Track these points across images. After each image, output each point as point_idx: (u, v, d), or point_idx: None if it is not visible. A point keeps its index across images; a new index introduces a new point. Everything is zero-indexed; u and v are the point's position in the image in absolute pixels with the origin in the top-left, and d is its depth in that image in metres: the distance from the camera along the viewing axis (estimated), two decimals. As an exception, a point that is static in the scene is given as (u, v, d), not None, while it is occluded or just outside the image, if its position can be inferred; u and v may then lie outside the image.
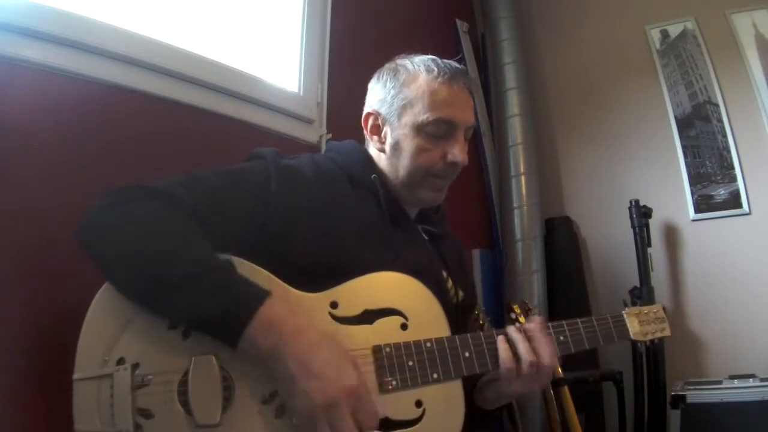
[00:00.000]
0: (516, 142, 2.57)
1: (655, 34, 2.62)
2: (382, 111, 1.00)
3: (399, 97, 0.98)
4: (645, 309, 1.05)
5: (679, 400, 1.96)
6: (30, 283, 0.94)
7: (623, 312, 1.03)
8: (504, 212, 2.56)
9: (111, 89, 1.14)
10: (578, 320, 0.97)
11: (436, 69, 0.97)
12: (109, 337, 0.72)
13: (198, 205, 0.80)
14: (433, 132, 0.95)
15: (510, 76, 2.66)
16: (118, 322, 0.73)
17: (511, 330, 0.90)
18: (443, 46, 2.56)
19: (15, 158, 0.96)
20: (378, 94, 1.02)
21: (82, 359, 0.72)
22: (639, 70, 2.63)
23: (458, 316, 1.01)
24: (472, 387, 0.99)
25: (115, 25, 1.19)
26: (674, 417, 1.96)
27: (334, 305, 0.82)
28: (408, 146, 0.97)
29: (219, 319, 0.71)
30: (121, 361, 0.71)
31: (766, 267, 2.27)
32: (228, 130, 1.40)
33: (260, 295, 0.72)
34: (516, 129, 2.58)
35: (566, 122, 2.82)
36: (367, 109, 1.04)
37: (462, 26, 2.73)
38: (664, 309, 1.08)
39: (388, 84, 1.00)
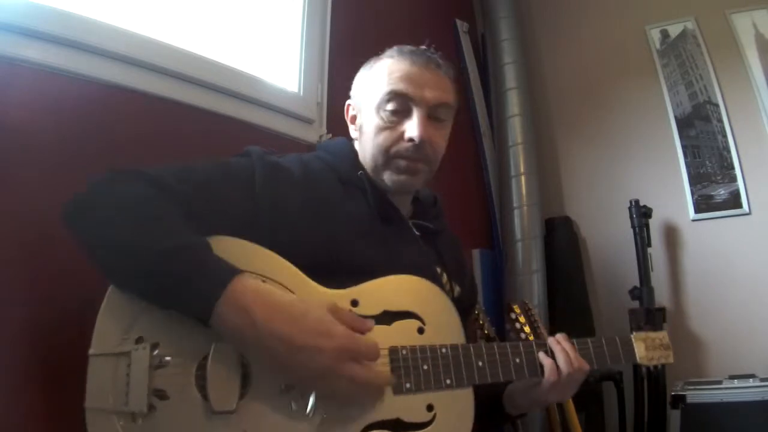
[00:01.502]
0: (516, 142, 2.57)
1: (655, 34, 2.62)
2: (356, 99, 1.03)
3: (366, 82, 1.01)
4: (652, 335, 1.07)
5: (679, 400, 1.96)
6: (30, 282, 0.94)
7: (632, 336, 1.05)
8: (504, 212, 2.56)
9: (111, 89, 1.15)
10: (588, 340, 0.99)
11: (400, 52, 0.99)
12: (129, 316, 0.72)
13: (188, 195, 0.80)
14: (391, 109, 0.95)
15: (510, 76, 2.66)
16: (139, 302, 0.72)
17: (552, 342, 0.94)
18: (443, 46, 2.54)
19: (15, 158, 0.96)
20: (355, 85, 1.05)
21: (100, 336, 0.71)
22: (639, 70, 2.64)
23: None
24: (498, 392, 1.01)
25: (115, 25, 1.19)
26: (674, 417, 1.96)
27: (354, 303, 0.82)
28: (368, 127, 0.98)
29: (189, 299, 0.70)
30: (139, 340, 0.71)
31: (766, 267, 2.27)
32: (228, 130, 1.40)
33: (227, 275, 0.70)
34: (516, 129, 2.58)
35: (566, 122, 2.82)
36: (348, 101, 1.07)
37: (462, 26, 2.73)
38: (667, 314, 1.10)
39: (362, 73, 1.04)
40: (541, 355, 0.92)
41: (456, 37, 2.70)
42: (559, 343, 0.93)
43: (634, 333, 1.06)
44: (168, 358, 0.71)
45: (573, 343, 0.95)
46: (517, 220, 2.48)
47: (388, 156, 0.96)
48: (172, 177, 0.81)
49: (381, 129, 0.95)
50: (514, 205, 2.50)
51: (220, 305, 0.69)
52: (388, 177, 0.97)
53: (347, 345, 0.72)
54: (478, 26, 2.99)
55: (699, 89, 2.49)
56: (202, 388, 0.71)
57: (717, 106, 2.44)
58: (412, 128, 0.94)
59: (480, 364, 0.86)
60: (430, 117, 0.96)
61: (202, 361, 0.72)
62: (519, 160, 2.54)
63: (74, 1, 1.12)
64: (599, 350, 0.99)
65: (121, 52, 1.16)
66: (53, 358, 0.91)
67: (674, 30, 2.58)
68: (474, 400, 0.85)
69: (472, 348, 0.87)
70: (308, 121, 1.66)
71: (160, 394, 0.70)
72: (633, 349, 1.03)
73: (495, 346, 0.89)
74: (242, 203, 0.84)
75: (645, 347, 1.04)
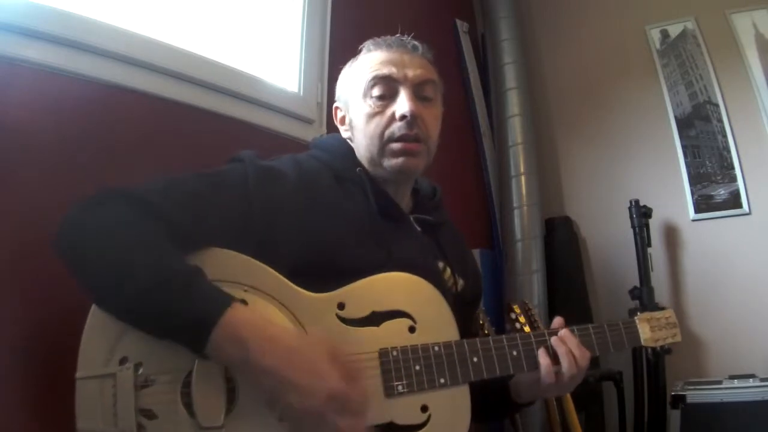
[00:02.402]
0: (516, 142, 2.57)
1: (655, 34, 2.62)
2: (342, 99, 1.03)
3: (349, 79, 1.02)
4: (657, 314, 1.04)
5: (679, 400, 1.96)
6: (30, 283, 0.94)
7: (635, 318, 1.02)
8: (504, 212, 2.56)
9: (111, 89, 1.15)
10: (590, 326, 0.96)
11: (375, 43, 1.00)
12: (112, 335, 0.72)
13: (177, 209, 0.78)
14: (378, 94, 0.95)
15: (510, 76, 2.66)
16: (121, 321, 0.72)
17: (555, 342, 0.90)
18: (443, 46, 2.56)
19: (15, 158, 0.96)
20: (339, 86, 1.05)
21: (84, 358, 0.71)
22: (639, 70, 2.64)
23: (459, 306, 0.96)
24: (505, 381, 0.99)
25: (115, 25, 1.19)
26: (674, 417, 1.97)
27: (341, 306, 0.81)
28: (358, 119, 0.97)
29: (183, 329, 0.69)
30: (123, 361, 0.71)
31: (766, 267, 2.27)
32: (228, 130, 1.40)
33: (219, 307, 0.69)
34: (516, 129, 2.58)
35: (566, 122, 2.82)
36: (335, 104, 1.07)
37: (462, 26, 2.73)
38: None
39: (343, 73, 1.04)
40: (541, 353, 0.90)
41: (456, 37, 2.70)
42: (564, 343, 0.90)
43: (638, 314, 1.03)
44: (153, 377, 0.70)
45: (577, 338, 0.92)
46: (517, 220, 2.48)
47: (382, 142, 0.94)
48: (160, 192, 0.78)
49: (371, 116, 0.95)
50: (514, 205, 2.50)
51: (214, 338, 0.67)
52: (387, 163, 0.95)
53: (338, 392, 0.69)
54: (478, 26, 2.99)
55: (699, 89, 2.49)
56: (189, 405, 0.70)
57: (717, 106, 2.44)
58: (401, 105, 0.93)
59: (475, 359, 0.85)
60: (417, 96, 0.96)
61: (187, 378, 0.71)
62: (519, 160, 2.54)
63: (74, 1, 1.12)
64: (601, 337, 0.96)
65: (121, 52, 1.16)
66: (53, 358, 0.91)
67: (674, 30, 2.58)
68: (471, 396, 0.84)
69: (466, 344, 0.85)
70: (308, 121, 1.66)
71: (148, 414, 0.69)
72: (637, 332, 1.00)
73: (490, 340, 0.87)
74: (236, 207, 0.83)
75: (650, 328, 1.01)
